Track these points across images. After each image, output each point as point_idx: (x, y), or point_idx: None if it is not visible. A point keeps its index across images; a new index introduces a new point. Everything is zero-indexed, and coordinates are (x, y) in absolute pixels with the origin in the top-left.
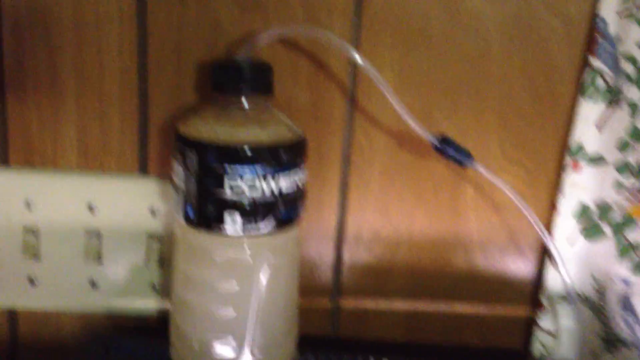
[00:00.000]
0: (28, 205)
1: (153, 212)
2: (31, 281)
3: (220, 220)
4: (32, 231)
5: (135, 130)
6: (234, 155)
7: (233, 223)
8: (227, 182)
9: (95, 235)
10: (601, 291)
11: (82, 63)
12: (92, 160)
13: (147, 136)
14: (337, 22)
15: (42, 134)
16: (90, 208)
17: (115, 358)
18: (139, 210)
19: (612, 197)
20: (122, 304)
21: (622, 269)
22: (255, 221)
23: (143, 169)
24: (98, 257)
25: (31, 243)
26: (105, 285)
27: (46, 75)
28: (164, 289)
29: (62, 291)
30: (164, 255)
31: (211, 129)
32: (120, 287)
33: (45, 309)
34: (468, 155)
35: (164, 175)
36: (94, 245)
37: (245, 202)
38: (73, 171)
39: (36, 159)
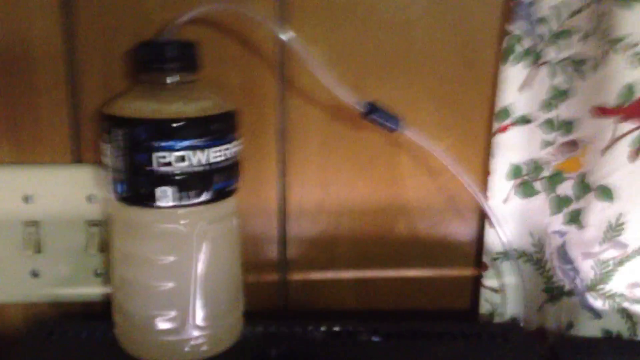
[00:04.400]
0: None
1: (90, 199)
2: None
3: (151, 194)
4: None
5: (66, 120)
6: (160, 130)
7: (165, 196)
8: (155, 157)
9: (33, 225)
10: (539, 246)
11: (9, 57)
12: (25, 153)
13: (78, 125)
14: (263, 1)
15: None
16: (27, 199)
17: (59, 342)
18: (76, 198)
19: (540, 155)
20: (66, 292)
21: (556, 222)
22: (187, 193)
23: (77, 157)
24: (38, 248)
25: None
26: (47, 274)
27: None
28: (107, 275)
29: (3, 283)
30: (104, 241)
31: (137, 106)
32: (62, 276)
33: None
34: (396, 120)
35: (99, 162)
36: (33, 235)
37: (176, 175)
38: (6, 165)
39: None
